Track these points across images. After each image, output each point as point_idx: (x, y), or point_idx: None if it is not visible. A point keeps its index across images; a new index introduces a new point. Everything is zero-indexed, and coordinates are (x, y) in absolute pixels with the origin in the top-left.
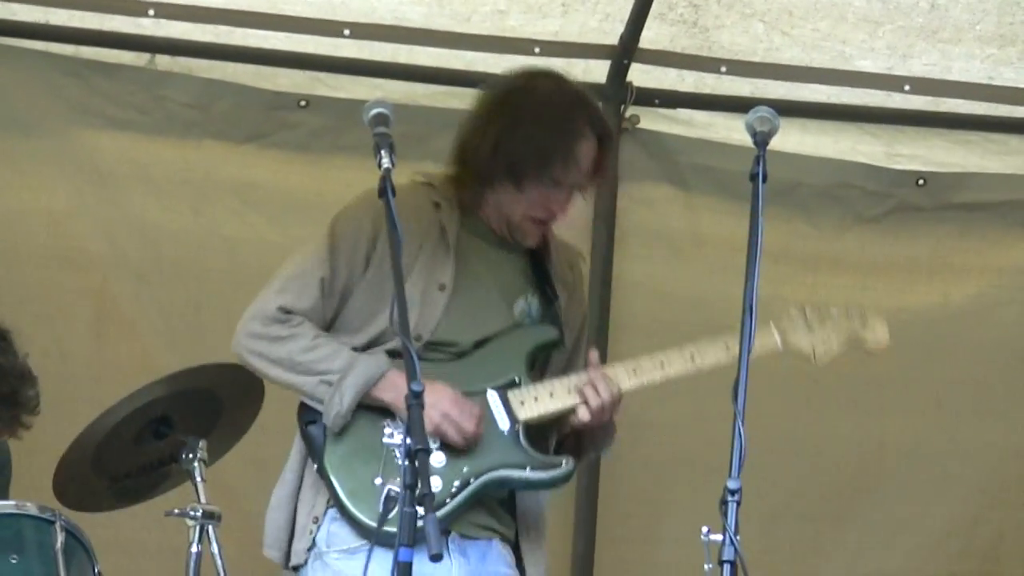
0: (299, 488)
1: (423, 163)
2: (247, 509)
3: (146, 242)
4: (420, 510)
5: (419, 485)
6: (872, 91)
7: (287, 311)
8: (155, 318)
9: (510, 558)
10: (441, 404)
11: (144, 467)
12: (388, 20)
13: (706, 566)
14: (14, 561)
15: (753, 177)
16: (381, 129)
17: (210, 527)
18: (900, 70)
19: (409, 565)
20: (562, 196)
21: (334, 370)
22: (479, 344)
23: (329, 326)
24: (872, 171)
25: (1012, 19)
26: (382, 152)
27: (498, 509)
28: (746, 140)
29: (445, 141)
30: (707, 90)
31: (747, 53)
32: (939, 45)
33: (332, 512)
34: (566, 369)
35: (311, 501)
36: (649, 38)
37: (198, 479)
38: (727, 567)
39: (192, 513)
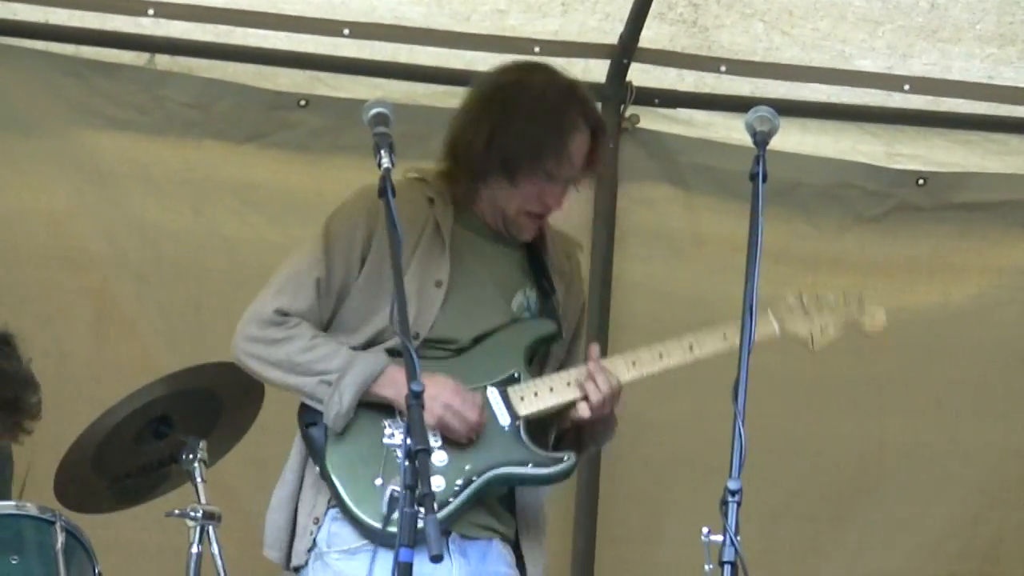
0: (299, 488)
1: (423, 162)
2: (247, 509)
3: (146, 242)
4: (422, 510)
5: (419, 485)
6: (872, 91)
7: (284, 313)
8: (155, 318)
9: (510, 557)
10: (443, 396)
11: (144, 467)
12: (388, 20)
13: (706, 567)
14: (14, 562)
15: (753, 177)
16: (381, 129)
17: (210, 528)
18: (900, 70)
19: (409, 565)
20: (557, 190)
21: (333, 369)
22: (477, 340)
23: (327, 327)
24: (872, 171)
25: (1012, 18)
26: (382, 152)
27: (498, 507)
28: (746, 140)
29: None
30: (707, 90)
31: (747, 53)
32: (939, 44)
33: (333, 512)
34: (566, 360)
35: (311, 501)
36: (649, 37)
37: (198, 480)
38: (727, 568)
39: (192, 514)
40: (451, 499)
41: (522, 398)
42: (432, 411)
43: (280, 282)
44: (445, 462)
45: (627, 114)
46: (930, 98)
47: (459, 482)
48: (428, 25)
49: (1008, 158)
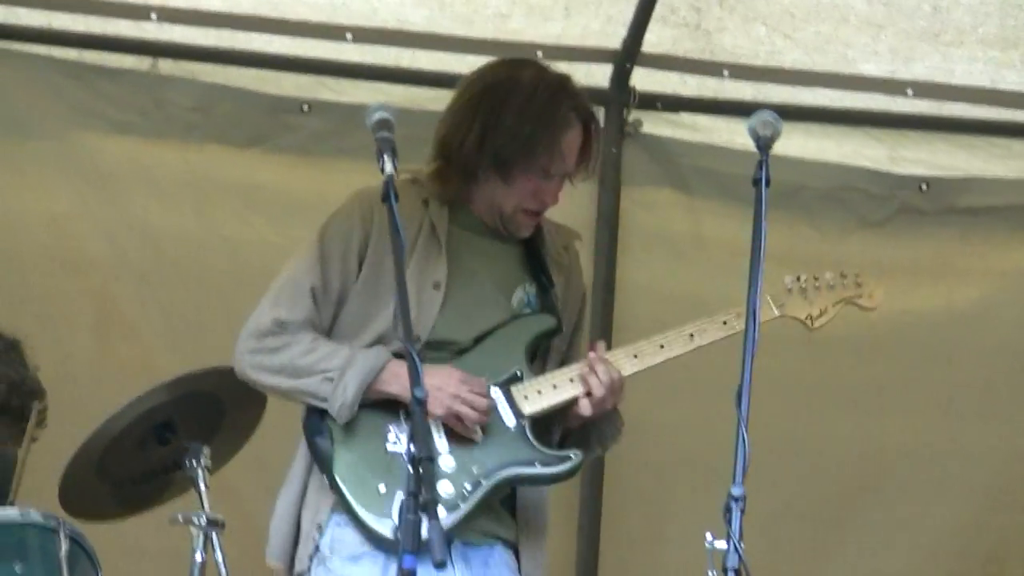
0: (303, 496)
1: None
2: (251, 512)
3: (148, 245)
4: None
5: (423, 492)
6: (875, 95)
7: (281, 323)
8: (156, 320)
9: (513, 562)
10: (449, 386)
11: (148, 473)
12: (390, 24)
13: (710, 573)
14: (18, 569)
15: (756, 182)
16: (383, 133)
17: (214, 534)
18: (903, 74)
19: (413, 572)
20: (552, 185)
21: (335, 367)
22: (478, 340)
23: (328, 334)
24: (875, 175)
25: (1015, 22)
26: (384, 156)
27: (500, 510)
28: (749, 144)
29: None
30: (710, 94)
31: (749, 57)
32: (942, 48)
33: (336, 518)
34: (567, 354)
35: (315, 507)
36: (651, 42)
37: (202, 486)
38: (731, 575)
39: (196, 520)
40: (461, 504)
41: (526, 397)
42: (441, 402)
43: (277, 293)
44: (453, 467)
45: (630, 118)
46: (933, 102)
47: (468, 486)
48: (430, 29)
49: (1011, 162)
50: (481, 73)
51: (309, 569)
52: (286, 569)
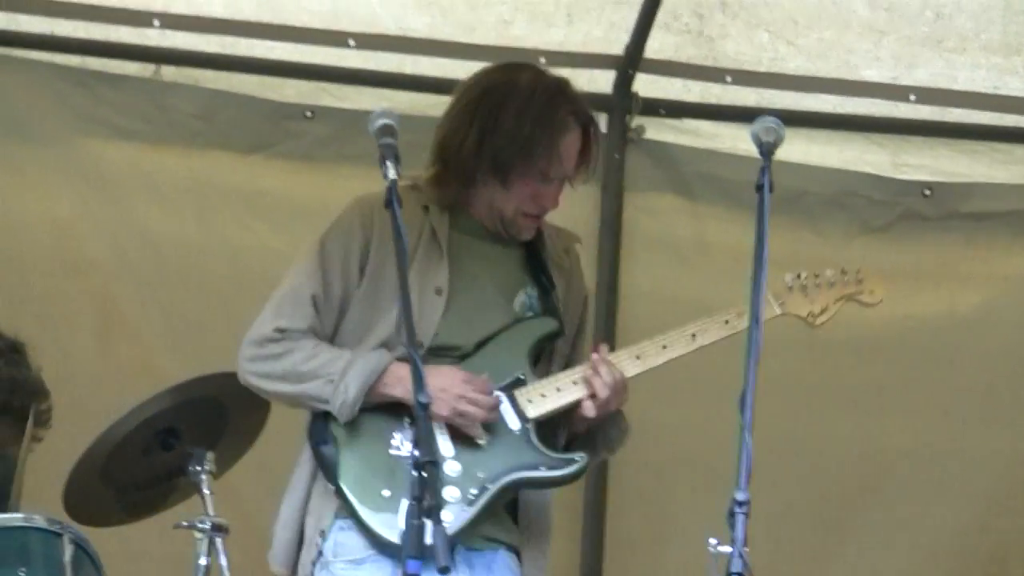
0: (307, 502)
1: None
2: (254, 516)
3: (150, 250)
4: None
5: (427, 497)
6: (878, 100)
7: (283, 331)
8: (159, 325)
9: (515, 566)
10: (453, 387)
11: (152, 479)
12: (393, 30)
13: None
14: (23, 574)
15: (759, 188)
16: (387, 139)
17: (218, 539)
18: (905, 79)
19: None
20: (552, 189)
21: (337, 370)
22: (480, 345)
23: (330, 341)
24: (878, 181)
25: (1018, 28)
26: (388, 162)
27: (502, 514)
28: (752, 149)
29: None
30: (713, 100)
31: (752, 63)
32: (944, 54)
33: (340, 523)
34: (571, 356)
35: (318, 513)
36: (654, 48)
37: (206, 491)
38: None
39: (200, 525)
40: (467, 508)
41: (530, 401)
42: (446, 403)
43: (278, 302)
44: (458, 471)
45: (633, 124)
46: (936, 108)
47: (474, 491)
48: (433, 36)
49: (1014, 168)
50: (479, 77)
51: (312, 574)
52: (289, 575)
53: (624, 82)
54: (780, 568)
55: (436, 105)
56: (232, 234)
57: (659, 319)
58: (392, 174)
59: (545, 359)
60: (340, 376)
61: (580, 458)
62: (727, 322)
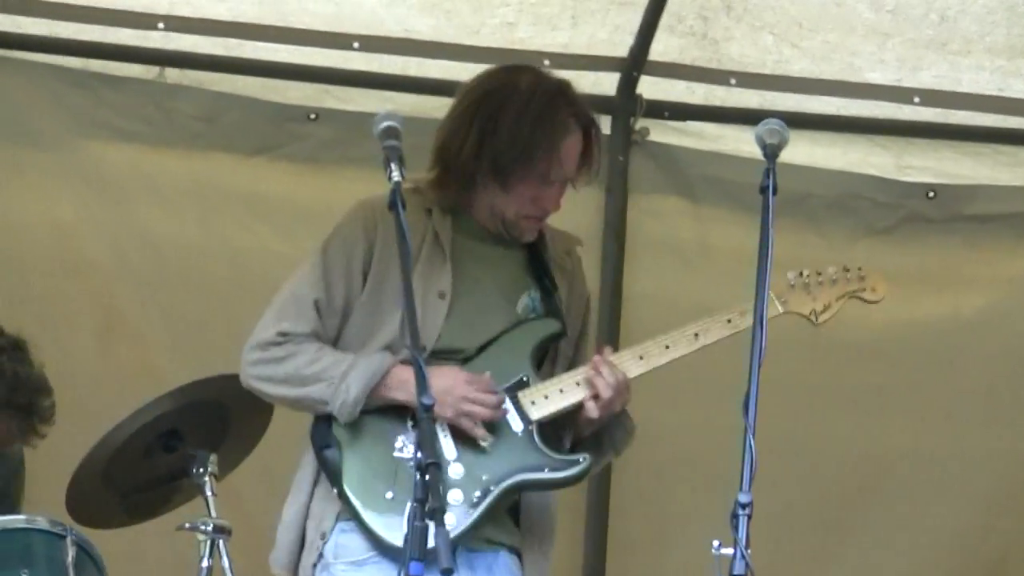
0: (308, 505)
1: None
2: (257, 517)
3: (152, 253)
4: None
5: (430, 499)
6: (882, 103)
7: (286, 335)
8: (161, 328)
9: (516, 568)
10: (456, 388)
11: (155, 481)
12: (397, 33)
13: None
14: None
15: (763, 190)
16: (391, 142)
17: (220, 541)
18: (910, 82)
19: None
20: (552, 191)
21: (339, 372)
22: (484, 347)
23: (333, 345)
24: (882, 183)
25: (1021, 31)
26: (392, 165)
27: (502, 516)
28: (756, 152)
29: None
30: (717, 102)
31: (757, 65)
32: (948, 57)
33: (341, 525)
34: (575, 358)
35: (319, 516)
36: (659, 50)
37: (208, 493)
38: None
39: (203, 527)
40: (470, 511)
41: (533, 402)
42: (449, 405)
43: (281, 306)
44: (462, 474)
45: (637, 127)
46: (940, 110)
47: (477, 493)
48: (437, 38)
49: (1018, 170)
50: (479, 79)
51: None
52: None
53: (628, 84)
54: (780, 568)
55: (440, 107)
56: (234, 236)
57: (662, 321)
58: (396, 176)
59: (548, 361)
60: (342, 377)
61: (583, 459)
62: (730, 321)
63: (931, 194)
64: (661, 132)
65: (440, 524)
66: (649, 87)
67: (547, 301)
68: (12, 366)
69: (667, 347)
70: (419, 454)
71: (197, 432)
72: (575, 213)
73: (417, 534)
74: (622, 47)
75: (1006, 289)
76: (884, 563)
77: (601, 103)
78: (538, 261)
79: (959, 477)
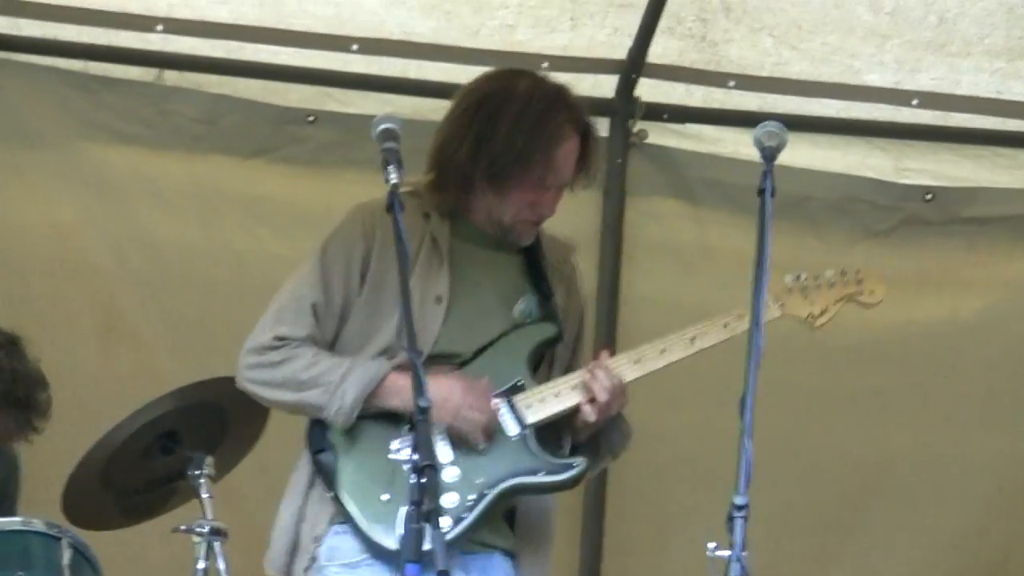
0: (303, 508)
1: None
2: (253, 518)
3: (152, 255)
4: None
5: (426, 501)
6: (881, 105)
7: (283, 339)
8: (161, 331)
9: (511, 570)
10: (454, 397)
11: (152, 483)
12: (397, 35)
13: None
14: None
15: (761, 192)
16: (389, 144)
17: (216, 543)
18: (909, 84)
19: None
20: (549, 196)
21: (335, 378)
22: (480, 351)
23: (330, 348)
24: (881, 185)
25: (1021, 32)
26: (390, 167)
27: (497, 520)
28: (754, 154)
29: None
30: (716, 105)
31: (755, 67)
32: (947, 59)
33: (335, 527)
34: (571, 363)
35: (313, 520)
36: (657, 52)
37: (204, 495)
38: None
39: (199, 529)
40: (465, 515)
41: (529, 406)
42: (448, 412)
43: (278, 309)
44: (457, 477)
45: (636, 129)
46: (939, 113)
47: (472, 497)
48: (437, 41)
49: (1017, 172)
50: (477, 83)
51: None
52: None
53: (627, 87)
54: (780, 569)
55: (439, 110)
56: (234, 239)
57: (661, 324)
58: (394, 179)
59: (545, 365)
60: (338, 383)
61: (579, 463)
62: (726, 325)
63: (930, 196)
64: (660, 134)
65: (436, 526)
66: (648, 89)
67: (544, 305)
68: (9, 362)
69: (663, 351)
70: (415, 456)
71: (195, 434)
72: (573, 215)
73: (413, 536)
74: (621, 49)
75: (1004, 292)
76: (884, 564)
77: (600, 105)
78: (535, 266)
79: (958, 479)
